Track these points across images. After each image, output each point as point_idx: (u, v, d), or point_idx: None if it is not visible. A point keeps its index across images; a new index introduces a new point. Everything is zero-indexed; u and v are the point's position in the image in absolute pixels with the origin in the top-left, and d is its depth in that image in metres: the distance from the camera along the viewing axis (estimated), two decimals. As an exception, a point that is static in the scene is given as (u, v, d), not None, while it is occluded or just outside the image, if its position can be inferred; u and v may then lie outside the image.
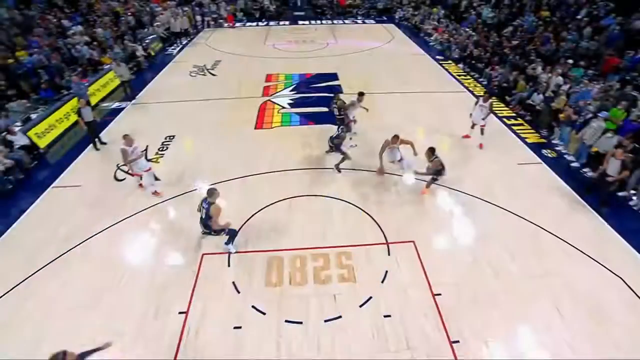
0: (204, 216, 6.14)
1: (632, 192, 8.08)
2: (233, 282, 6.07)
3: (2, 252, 6.82)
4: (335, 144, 8.61)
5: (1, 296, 5.92)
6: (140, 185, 8.30)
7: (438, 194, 8.15)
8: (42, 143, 10.36)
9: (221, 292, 5.91)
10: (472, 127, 10.13)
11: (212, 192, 6.09)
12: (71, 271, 6.33)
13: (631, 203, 7.98)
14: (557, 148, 10.09)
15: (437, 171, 7.79)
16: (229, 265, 6.39)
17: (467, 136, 10.31)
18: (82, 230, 7.16)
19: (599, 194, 7.84)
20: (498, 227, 7.19)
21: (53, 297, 5.89)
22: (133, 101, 13.36)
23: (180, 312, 5.59)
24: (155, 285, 6.04)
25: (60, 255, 6.63)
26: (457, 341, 5.18)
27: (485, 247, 6.73)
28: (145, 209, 7.70)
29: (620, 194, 8.09)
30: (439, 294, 5.83)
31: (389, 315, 5.52)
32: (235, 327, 5.37)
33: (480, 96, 9.96)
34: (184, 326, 5.40)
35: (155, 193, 8.11)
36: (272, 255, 6.54)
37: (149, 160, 8.65)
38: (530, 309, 5.63)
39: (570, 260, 6.49)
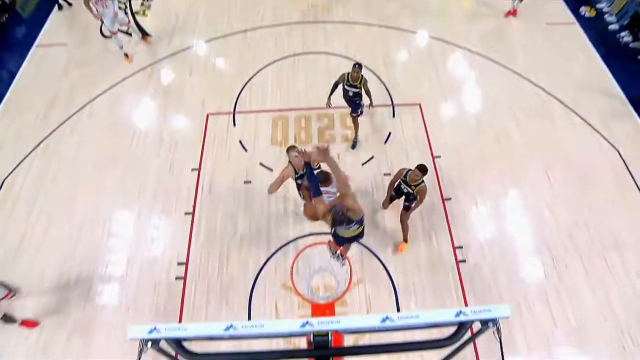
0: None
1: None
2: (240, 141, 6.40)
3: (10, 115, 6.91)
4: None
5: (26, 156, 6.31)
6: (126, 56, 7.64)
7: (451, 55, 7.75)
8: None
9: (229, 150, 6.30)
10: None
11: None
12: (83, 133, 6.59)
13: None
14: (598, 5, 9.00)
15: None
16: (234, 125, 6.62)
17: (513, 12, 8.57)
18: (80, 92, 7.13)
19: None
20: (509, 94, 7.10)
21: (72, 156, 6.31)
22: None
23: (192, 169, 6.09)
24: (165, 145, 6.38)
25: (69, 118, 6.77)
26: (449, 199, 5.79)
27: (492, 113, 6.81)
28: (142, 69, 7.48)
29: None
30: (439, 156, 6.22)
31: (388, 174, 6.01)
32: (245, 182, 5.94)
33: None
34: (197, 182, 5.96)
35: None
36: (277, 115, 6.70)
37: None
38: (523, 174, 6.08)
39: (574, 130, 6.63)
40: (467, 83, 7.32)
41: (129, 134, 6.52)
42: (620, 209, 5.75)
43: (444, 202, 5.75)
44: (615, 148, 6.41)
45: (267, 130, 6.51)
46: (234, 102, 6.90)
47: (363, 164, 6.14)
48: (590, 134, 6.59)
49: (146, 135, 6.50)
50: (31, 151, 6.35)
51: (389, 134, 6.46)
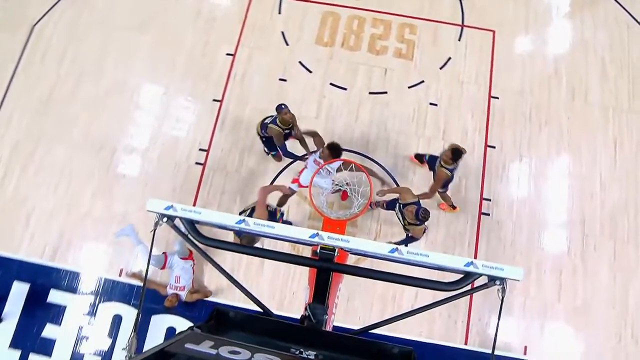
0: None
1: None
2: (282, 32, 6.06)
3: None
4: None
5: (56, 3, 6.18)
6: None
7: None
8: None
9: (269, 41, 6.02)
10: None
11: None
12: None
13: None
14: None
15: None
16: (279, 12, 6.19)
17: None
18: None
19: None
20: (611, 41, 6.06)
21: (105, 10, 6.16)
22: None
23: (227, 54, 5.91)
24: (202, 21, 6.11)
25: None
26: (493, 147, 5.50)
27: (579, 61, 5.97)
28: None
29: None
30: (497, 98, 5.75)
31: (435, 104, 5.69)
32: (280, 79, 5.78)
33: None
34: (230, 69, 5.83)
35: None
36: (329, 10, 6.18)
37: None
38: (587, 139, 5.55)
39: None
40: (561, 16, 6.34)
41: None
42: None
43: (485, 148, 5.50)
44: None
45: (314, 25, 6.07)
46: (285, -17, 6.34)
47: (410, 87, 5.79)
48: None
49: (181, 9, 6.19)
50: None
51: (448, 59, 5.93)
